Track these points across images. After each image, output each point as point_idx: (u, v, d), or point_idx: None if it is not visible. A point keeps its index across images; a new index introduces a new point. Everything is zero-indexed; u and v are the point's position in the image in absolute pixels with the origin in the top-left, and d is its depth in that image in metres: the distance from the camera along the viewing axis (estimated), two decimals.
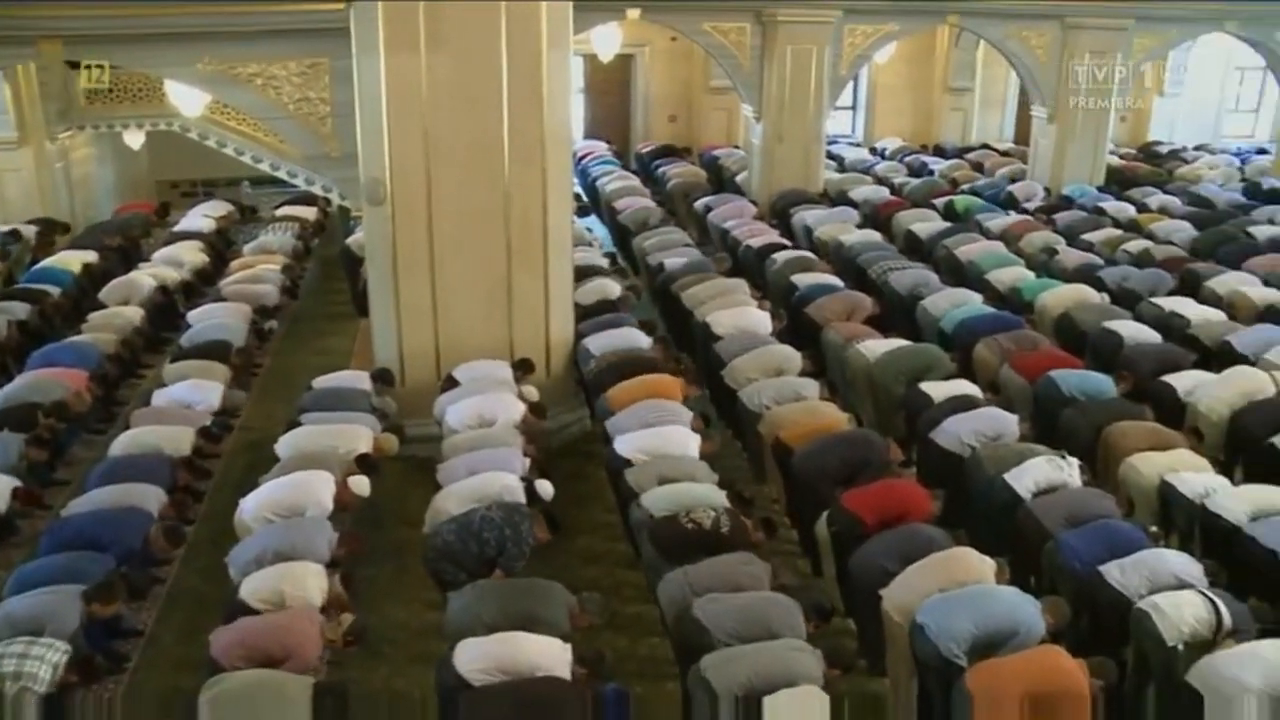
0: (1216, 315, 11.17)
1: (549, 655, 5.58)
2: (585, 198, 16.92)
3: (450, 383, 8.91)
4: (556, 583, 6.28)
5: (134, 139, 14.62)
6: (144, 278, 12.00)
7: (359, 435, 8.01)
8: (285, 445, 7.93)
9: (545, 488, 7.32)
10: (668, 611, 6.35)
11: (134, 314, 11.12)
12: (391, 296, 9.16)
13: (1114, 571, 6.31)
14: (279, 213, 15.29)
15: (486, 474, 7.33)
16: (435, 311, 9.19)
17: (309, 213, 15.22)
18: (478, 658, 5.54)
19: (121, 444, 8.09)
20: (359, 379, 9.12)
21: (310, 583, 6.19)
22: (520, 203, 9.00)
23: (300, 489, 7.14)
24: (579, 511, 8.40)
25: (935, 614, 5.90)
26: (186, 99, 10.99)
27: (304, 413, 8.50)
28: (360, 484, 7.40)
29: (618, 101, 21.82)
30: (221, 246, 14.41)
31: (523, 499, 7.09)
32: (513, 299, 9.28)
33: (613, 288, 11.29)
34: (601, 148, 20.19)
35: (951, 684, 5.60)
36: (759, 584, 6.28)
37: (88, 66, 8.35)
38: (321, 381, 9.11)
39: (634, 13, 14.92)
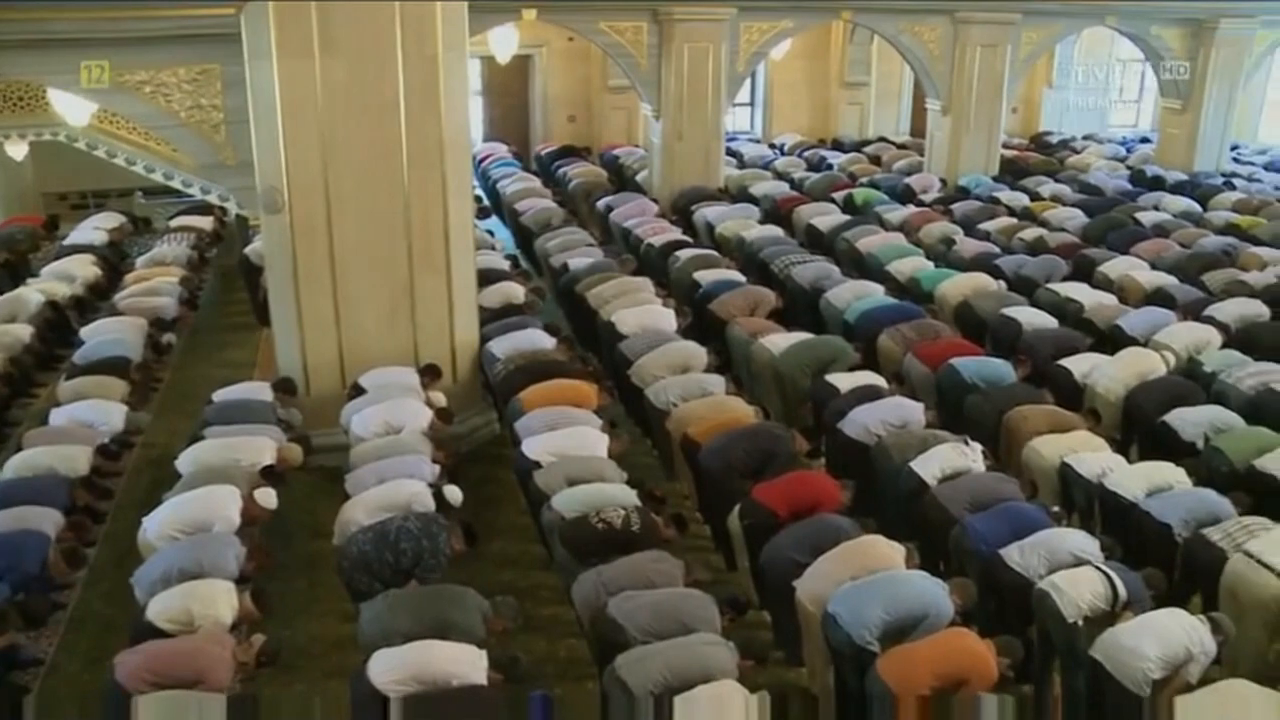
0: (1109, 299, 11.52)
1: (463, 662, 5.53)
2: (486, 200, 16.80)
3: (356, 390, 8.80)
4: (469, 588, 6.23)
5: (16, 150, 14.08)
6: (33, 293, 11.63)
7: (263, 447, 7.85)
8: (187, 460, 7.74)
9: (454, 494, 7.25)
10: (583, 612, 6.35)
11: (23, 331, 10.77)
12: (293, 305, 9.00)
13: (1014, 554, 6.47)
14: (174, 223, 14.95)
15: (395, 482, 7.27)
16: (338, 319, 9.04)
17: (205, 223, 14.92)
18: (392, 668, 5.47)
19: (13, 466, 7.82)
20: (262, 390, 8.95)
21: (220, 601, 6.05)
22: (420, 207, 8.91)
23: (205, 504, 6.98)
24: (491, 515, 8.36)
25: (846, 603, 5.98)
26: (72, 108, 10.65)
27: (207, 426, 8.31)
28: (266, 496, 7.25)
29: (516, 103, 21.70)
30: (115, 259, 14.00)
31: (432, 506, 7.03)
32: (416, 304, 9.19)
33: (517, 290, 11.23)
34: (501, 149, 20.06)
35: (865, 671, 5.70)
36: (672, 580, 6.30)
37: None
38: (223, 394, 8.90)
39: (530, 13, 14.86)
